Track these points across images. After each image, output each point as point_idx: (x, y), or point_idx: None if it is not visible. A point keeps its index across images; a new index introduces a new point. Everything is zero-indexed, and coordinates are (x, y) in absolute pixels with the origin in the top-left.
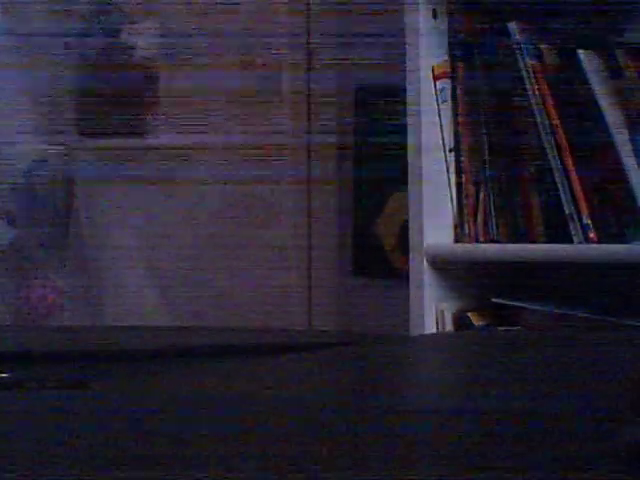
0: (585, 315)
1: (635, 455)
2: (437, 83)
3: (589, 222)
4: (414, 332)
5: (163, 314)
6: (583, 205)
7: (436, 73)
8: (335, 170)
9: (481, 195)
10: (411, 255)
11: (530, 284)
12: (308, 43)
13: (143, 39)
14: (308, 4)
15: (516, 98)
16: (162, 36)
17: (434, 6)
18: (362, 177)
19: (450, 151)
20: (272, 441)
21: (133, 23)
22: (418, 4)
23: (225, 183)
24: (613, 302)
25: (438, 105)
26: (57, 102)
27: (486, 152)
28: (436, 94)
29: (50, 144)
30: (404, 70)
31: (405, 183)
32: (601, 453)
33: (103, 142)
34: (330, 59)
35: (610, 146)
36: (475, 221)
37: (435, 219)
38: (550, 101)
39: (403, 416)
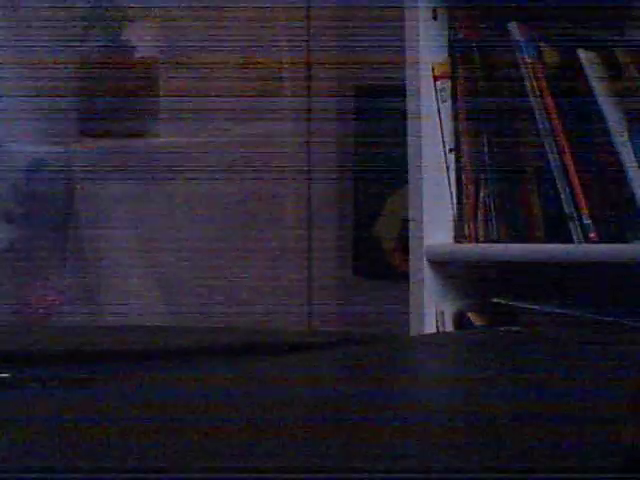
0: (585, 315)
1: (635, 455)
2: (437, 83)
3: (589, 222)
4: (414, 332)
5: (163, 314)
6: (583, 205)
7: (436, 73)
8: (335, 170)
9: (481, 195)
10: (411, 255)
11: (530, 284)
12: (308, 43)
13: (143, 39)
14: (308, 4)
15: (516, 98)
16: (162, 36)
17: (434, 6)
18: (362, 177)
19: (450, 151)
20: (272, 441)
21: (133, 23)
22: (418, 4)
23: (225, 183)
24: (613, 302)
25: (438, 105)
26: (57, 102)
27: (486, 152)
28: (436, 94)
29: (50, 144)
30: (404, 70)
31: (405, 183)
32: (601, 453)
33: (103, 142)
34: (330, 59)
35: (610, 146)
36: (475, 221)
37: (435, 219)
38: (550, 101)
39: (403, 416)
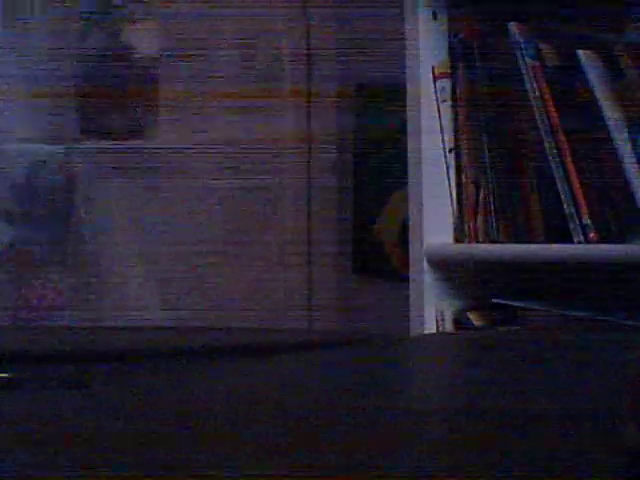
0: (585, 315)
1: (635, 455)
2: (437, 83)
3: (589, 222)
4: (414, 332)
5: (163, 314)
6: (583, 205)
7: (436, 73)
8: (335, 170)
9: (481, 195)
10: (411, 255)
11: (530, 284)
12: (308, 43)
13: (143, 39)
14: (308, 4)
15: (516, 98)
16: (162, 36)
17: (434, 6)
18: (362, 177)
19: (450, 151)
20: (271, 441)
21: (133, 23)
22: (418, 4)
23: (224, 183)
24: (613, 302)
25: (438, 105)
26: (57, 102)
27: (486, 152)
28: (436, 94)
29: (50, 144)
30: (404, 70)
31: (405, 183)
32: (601, 453)
33: (103, 142)
34: (330, 59)
35: (610, 146)
36: (475, 221)
37: (435, 219)
38: (550, 101)
39: (403, 416)
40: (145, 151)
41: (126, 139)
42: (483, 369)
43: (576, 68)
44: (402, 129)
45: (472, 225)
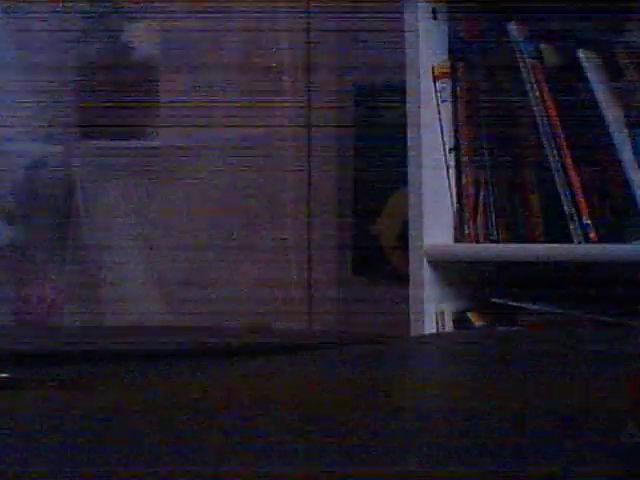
0: (585, 315)
1: (635, 455)
2: (437, 83)
3: (589, 222)
4: (414, 332)
5: (163, 314)
6: (583, 205)
7: (436, 73)
8: (335, 170)
9: (481, 195)
10: (411, 255)
11: (530, 284)
12: (308, 43)
13: (143, 39)
14: (308, 3)
15: (516, 98)
16: (162, 36)
17: (434, 6)
18: (362, 177)
19: (450, 151)
20: (272, 441)
21: (133, 23)
22: (418, 4)
23: (225, 183)
24: (613, 302)
25: (438, 105)
26: (57, 102)
27: (486, 152)
28: (436, 94)
29: (50, 144)
30: (404, 70)
31: (405, 183)
32: (601, 453)
33: (103, 142)
34: (330, 59)
35: (610, 146)
36: (475, 221)
37: (435, 219)
38: (550, 101)
39: (403, 416)
40: (145, 151)
41: (126, 139)
42: (483, 369)
43: (576, 68)
44: (402, 129)
45: (472, 225)
